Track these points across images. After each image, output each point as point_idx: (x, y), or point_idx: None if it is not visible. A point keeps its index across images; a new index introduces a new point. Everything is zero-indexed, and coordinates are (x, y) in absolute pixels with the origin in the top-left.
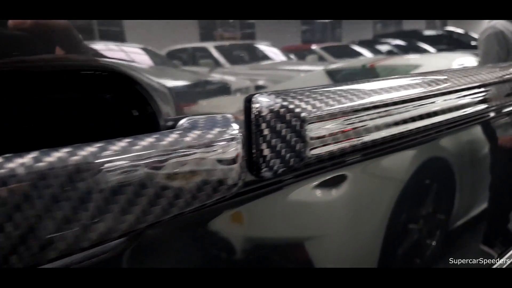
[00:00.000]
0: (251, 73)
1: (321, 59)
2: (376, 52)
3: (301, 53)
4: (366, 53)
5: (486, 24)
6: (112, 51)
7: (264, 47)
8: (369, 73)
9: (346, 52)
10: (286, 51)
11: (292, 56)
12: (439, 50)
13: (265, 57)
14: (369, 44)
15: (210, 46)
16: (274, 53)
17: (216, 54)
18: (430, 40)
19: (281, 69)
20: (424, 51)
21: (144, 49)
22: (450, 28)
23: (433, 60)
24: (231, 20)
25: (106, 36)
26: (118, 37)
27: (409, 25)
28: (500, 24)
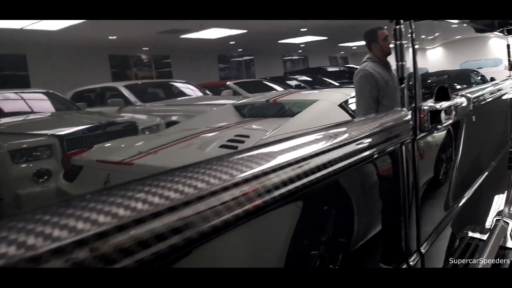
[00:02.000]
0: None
1: (235, 93)
2: (286, 86)
3: (217, 89)
4: (277, 88)
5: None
6: None
7: (180, 85)
8: (272, 107)
9: (258, 87)
10: (202, 87)
11: (208, 91)
12: (340, 84)
13: (181, 93)
14: (279, 80)
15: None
16: (190, 90)
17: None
18: (332, 76)
19: (195, 104)
20: (328, 85)
21: None
22: (350, 64)
23: (330, 94)
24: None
25: None
26: None
27: (315, 62)
28: (368, 66)
